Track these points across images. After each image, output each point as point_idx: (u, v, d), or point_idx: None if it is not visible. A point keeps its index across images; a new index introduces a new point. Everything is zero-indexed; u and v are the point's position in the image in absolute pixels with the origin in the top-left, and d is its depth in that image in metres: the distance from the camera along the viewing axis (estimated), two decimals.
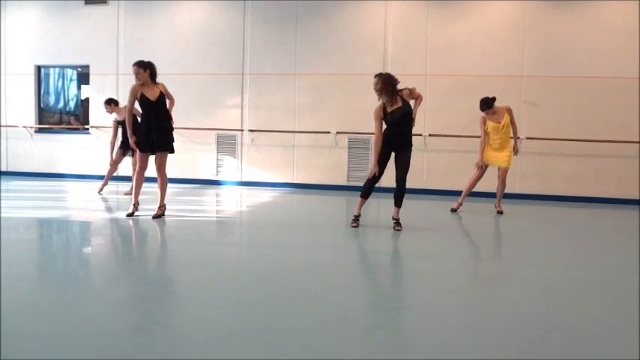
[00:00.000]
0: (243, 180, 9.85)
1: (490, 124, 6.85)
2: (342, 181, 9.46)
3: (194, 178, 9.89)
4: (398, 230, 5.58)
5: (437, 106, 8.98)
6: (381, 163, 5.59)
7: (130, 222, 5.87)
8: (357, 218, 5.81)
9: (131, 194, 7.95)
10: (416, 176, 9.07)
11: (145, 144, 5.89)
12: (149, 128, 5.86)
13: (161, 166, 6.00)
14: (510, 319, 2.96)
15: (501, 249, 5.46)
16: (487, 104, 6.79)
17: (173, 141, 6.07)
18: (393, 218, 5.72)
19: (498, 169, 7.04)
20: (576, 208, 8.15)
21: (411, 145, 5.66)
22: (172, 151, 6.06)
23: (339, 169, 9.44)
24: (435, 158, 9.11)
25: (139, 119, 6.35)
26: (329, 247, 5.09)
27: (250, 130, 9.73)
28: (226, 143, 9.86)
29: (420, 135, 8.99)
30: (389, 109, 5.49)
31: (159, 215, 5.97)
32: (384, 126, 5.59)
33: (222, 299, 3.22)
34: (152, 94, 5.84)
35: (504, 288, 3.77)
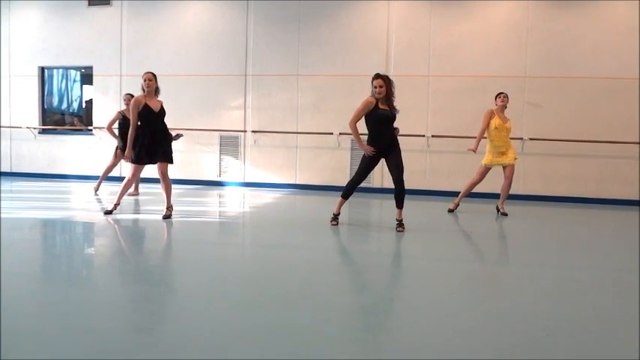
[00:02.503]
0: (245, 181, 9.86)
1: (497, 120, 6.80)
2: (344, 182, 9.32)
3: (197, 179, 9.91)
4: (400, 231, 5.56)
5: (439, 107, 8.98)
6: (366, 169, 5.65)
7: (133, 222, 5.88)
8: (336, 217, 5.88)
9: (136, 194, 8.00)
10: (418, 177, 9.09)
11: (145, 156, 5.97)
12: (153, 140, 5.95)
13: (165, 174, 6.12)
14: (512, 321, 2.96)
15: (503, 250, 5.45)
16: (500, 92, 6.96)
17: (172, 152, 6.21)
18: (397, 219, 5.69)
19: (504, 168, 6.97)
20: (579, 209, 8.13)
21: (398, 146, 5.64)
22: (172, 162, 6.20)
23: (341, 170, 9.44)
24: (438, 159, 9.11)
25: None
26: (332, 247, 5.10)
27: (253, 131, 9.75)
28: (229, 144, 9.87)
29: (423, 136, 8.99)
30: (380, 106, 5.49)
31: (168, 215, 6.07)
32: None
33: (225, 299, 3.23)
34: (155, 106, 5.99)
35: (506, 289, 3.76)
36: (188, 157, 9.98)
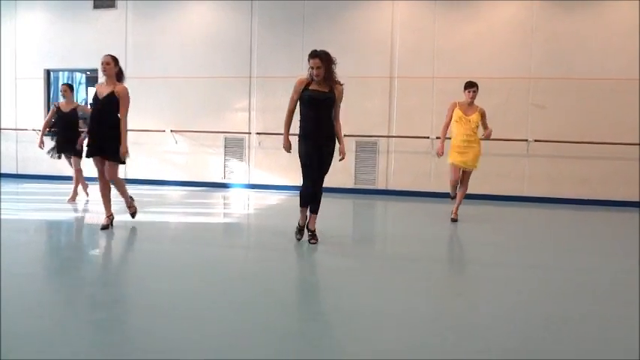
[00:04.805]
0: (250, 183, 9.87)
1: (458, 112, 6.36)
2: (349, 184, 9.46)
3: (202, 181, 9.93)
4: (313, 243, 4.90)
5: (444, 109, 8.91)
6: (305, 168, 4.81)
7: (134, 224, 5.89)
8: (301, 230, 5.06)
9: (74, 202, 7.43)
10: (424, 179, 9.08)
11: (89, 147, 5.38)
12: (92, 130, 5.35)
13: (113, 177, 5.41)
14: (516, 323, 2.95)
15: (507, 252, 5.42)
16: (468, 83, 6.47)
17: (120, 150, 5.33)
18: (308, 229, 4.99)
19: (463, 172, 6.46)
20: (585, 210, 8.09)
21: (333, 140, 4.91)
22: (117, 161, 5.35)
23: (346, 172, 9.42)
24: (443, 161, 9.05)
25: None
26: (338, 250, 5.09)
27: (257, 133, 9.76)
28: (234, 146, 9.89)
29: (428, 138, 8.98)
30: (311, 86, 4.75)
31: (134, 213, 5.71)
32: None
33: (224, 300, 3.24)
34: (101, 92, 5.31)
35: (509, 291, 3.74)
36: (193, 159, 10.00)
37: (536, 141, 8.66)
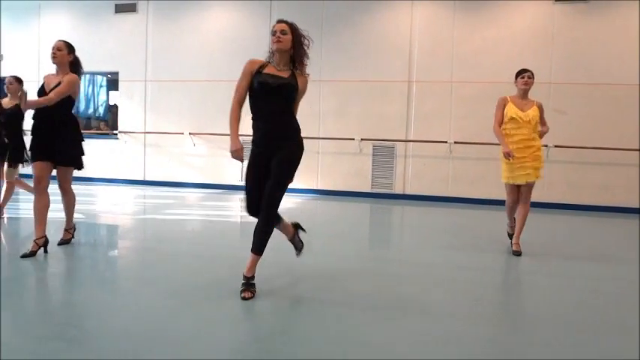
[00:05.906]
0: None
1: (512, 108, 5.02)
2: (366, 188, 9.45)
3: (219, 183, 9.99)
4: (246, 298, 3.23)
5: (463, 114, 8.91)
6: (247, 180, 3.48)
7: (147, 226, 5.93)
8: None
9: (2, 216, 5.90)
10: (441, 184, 9.03)
11: (34, 150, 4.32)
12: (36, 129, 4.34)
13: (65, 184, 4.53)
14: (535, 331, 2.92)
15: (526, 259, 5.36)
16: (521, 69, 5.10)
17: (79, 153, 4.53)
18: (244, 275, 3.35)
19: (519, 187, 5.07)
20: (606, 217, 7.96)
21: (294, 141, 3.43)
22: (75, 166, 4.54)
23: (363, 176, 9.42)
24: (461, 166, 9.02)
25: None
26: (353, 255, 5.08)
27: None
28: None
29: (446, 142, 8.93)
30: (266, 70, 3.54)
31: (67, 240, 4.68)
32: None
33: (226, 303, 3.25)
34: (49, 83, 4.44)
35: (528, 298, 3.70)
36: (210, 162, 10.08)
37: (556, 146, 8.56)
